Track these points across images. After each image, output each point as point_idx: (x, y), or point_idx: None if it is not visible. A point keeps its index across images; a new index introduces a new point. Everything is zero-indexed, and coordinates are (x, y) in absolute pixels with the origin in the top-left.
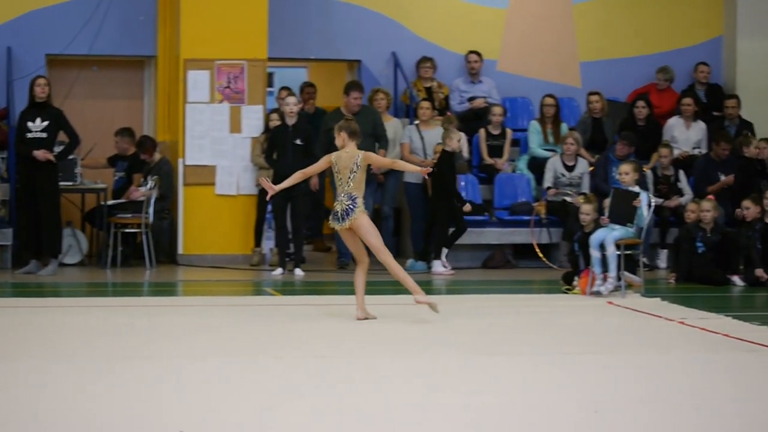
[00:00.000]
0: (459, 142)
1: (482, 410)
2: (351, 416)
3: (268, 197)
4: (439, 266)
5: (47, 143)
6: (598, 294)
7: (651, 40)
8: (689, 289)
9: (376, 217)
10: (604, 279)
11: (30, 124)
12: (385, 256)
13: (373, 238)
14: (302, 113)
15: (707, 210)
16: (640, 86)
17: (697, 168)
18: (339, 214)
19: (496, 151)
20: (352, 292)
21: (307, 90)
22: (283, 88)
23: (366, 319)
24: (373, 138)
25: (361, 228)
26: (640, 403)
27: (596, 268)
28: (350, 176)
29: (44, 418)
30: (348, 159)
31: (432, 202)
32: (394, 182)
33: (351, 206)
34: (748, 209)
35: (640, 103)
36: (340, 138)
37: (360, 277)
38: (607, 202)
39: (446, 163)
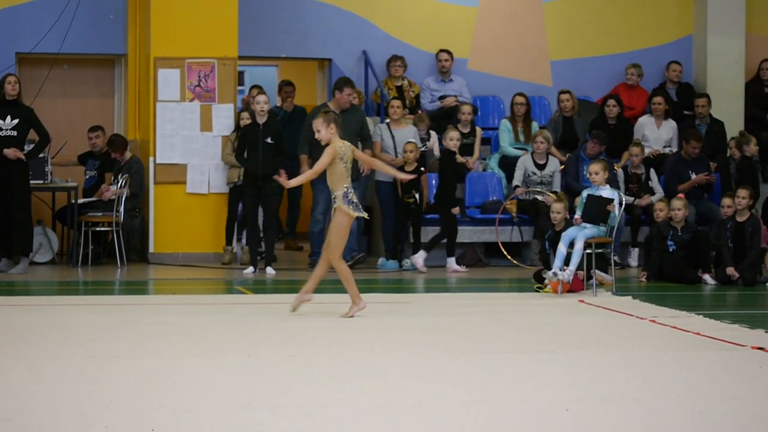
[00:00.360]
0: (457, 141)
1: (453, 408)
2: (323, 415)
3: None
4: (420, 258)
5: (17, 141)
6: (554, 276)
7: (621, 39)
8: (660, 288)
9: None
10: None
11: (0, 122)
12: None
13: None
14: (275, 111)
15: (678, 208)
16: (610, 85)
17: (667, 167)
18: (357, 203)
19: (466, 150)
20: (323, 291)
21: (286, 89)
22: (254, 86)
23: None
24: (358, 137)
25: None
26: (611, 402)
27: (557, 262)
28: (350, 166)
29: (10, 417)
30: (349, 149)
31: (402, 199)
32: (365, 180)
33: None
34: (730, 207)
35: (611, 102)
36: (329, 130)
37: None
38: (577, 201)
39: (448, 163)
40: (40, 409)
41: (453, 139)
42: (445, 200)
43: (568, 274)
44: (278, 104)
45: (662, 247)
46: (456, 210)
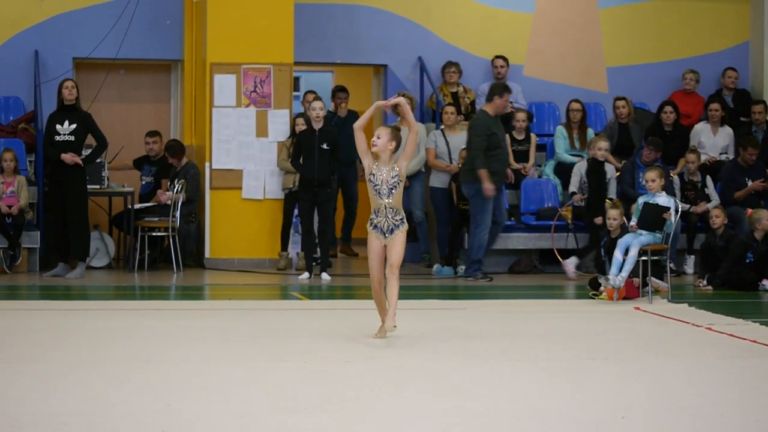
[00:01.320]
0: (605, 151)
1: (508, 416)
2: (378, 422)
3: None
4: (572, 264)
5: (75, 146)
6: (606, 282)
7: (677, 46)
8: (717, 295)
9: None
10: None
11: (58, 127)
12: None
13: None
14: (328, 117)
15: (767, 219)
16: (666, 92)
17: (723, 174)
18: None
19: (521, 157)
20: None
21: (339, 95)
22: (309, 92)
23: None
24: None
25: None
26: (667, 410)
27: (613, 269)
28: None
29: (67, 421)
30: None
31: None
32: (419, 187)
33: None
34: None
35: (668, 108)
36: (389, 145)
37: None
38: (633, 208)
39: (596, 171)
40: (96, 414)
41: (602, 148)
42: (590, 210)
43: (619, 280)
44: (332, 109)
45: (740, 260)
46: (598, 220)
